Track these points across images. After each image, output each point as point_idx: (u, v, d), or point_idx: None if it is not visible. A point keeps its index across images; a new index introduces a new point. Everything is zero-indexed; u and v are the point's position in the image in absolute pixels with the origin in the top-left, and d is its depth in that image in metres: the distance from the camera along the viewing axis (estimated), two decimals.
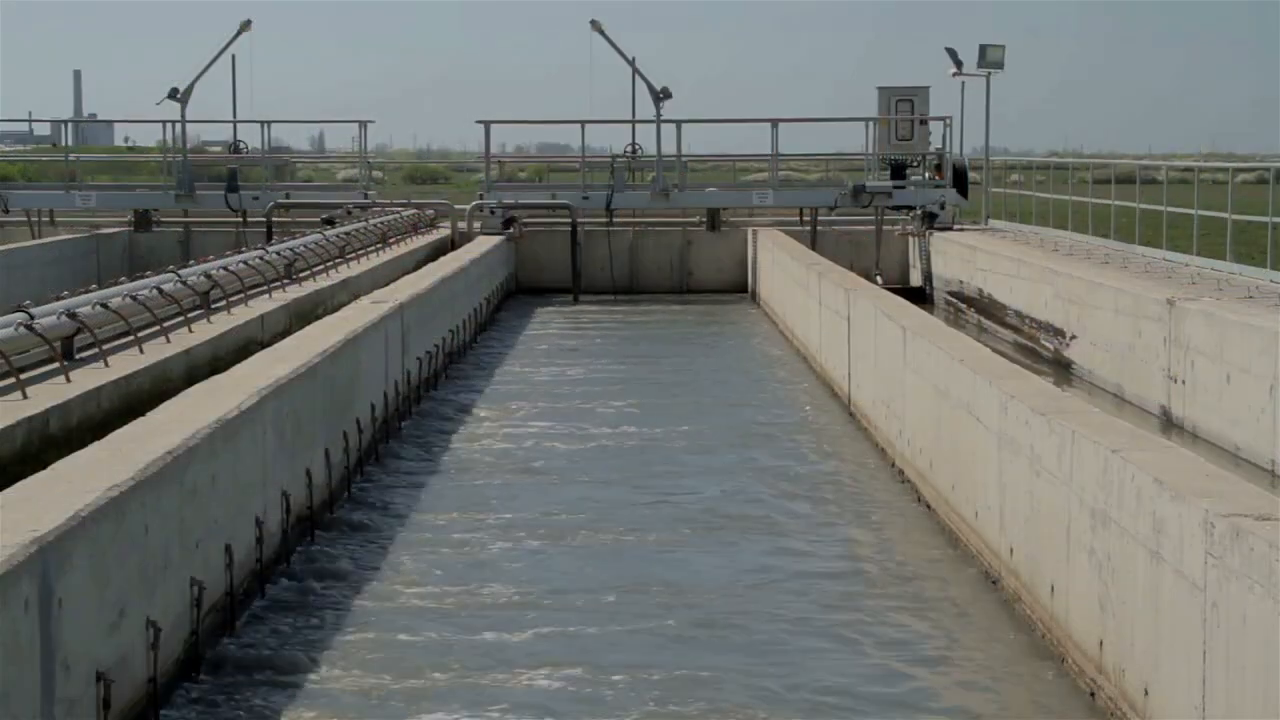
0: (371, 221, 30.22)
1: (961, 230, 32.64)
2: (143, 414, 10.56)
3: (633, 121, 35.94)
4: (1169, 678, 7.87)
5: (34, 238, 33.71)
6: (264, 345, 15.96)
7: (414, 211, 34.73)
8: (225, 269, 19.21)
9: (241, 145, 37.26)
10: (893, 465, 15.49)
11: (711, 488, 14.86)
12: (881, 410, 16.44)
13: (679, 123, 35.05)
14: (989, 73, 35.15)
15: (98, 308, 14.48)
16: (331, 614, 10.69)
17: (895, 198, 34.03)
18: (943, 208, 33.28)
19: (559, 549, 12.56)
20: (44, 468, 8.81)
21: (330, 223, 30.69)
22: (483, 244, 30.90)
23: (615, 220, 35.05)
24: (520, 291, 34.26)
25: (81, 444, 9.91)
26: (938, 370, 13.58)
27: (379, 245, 28.23)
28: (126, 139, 66.53)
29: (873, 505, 14.10)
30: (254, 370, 12.51)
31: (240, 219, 34.71)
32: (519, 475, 15.40)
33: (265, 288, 20.01)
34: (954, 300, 29.97)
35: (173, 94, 34.85)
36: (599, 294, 34.08)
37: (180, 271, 17.83)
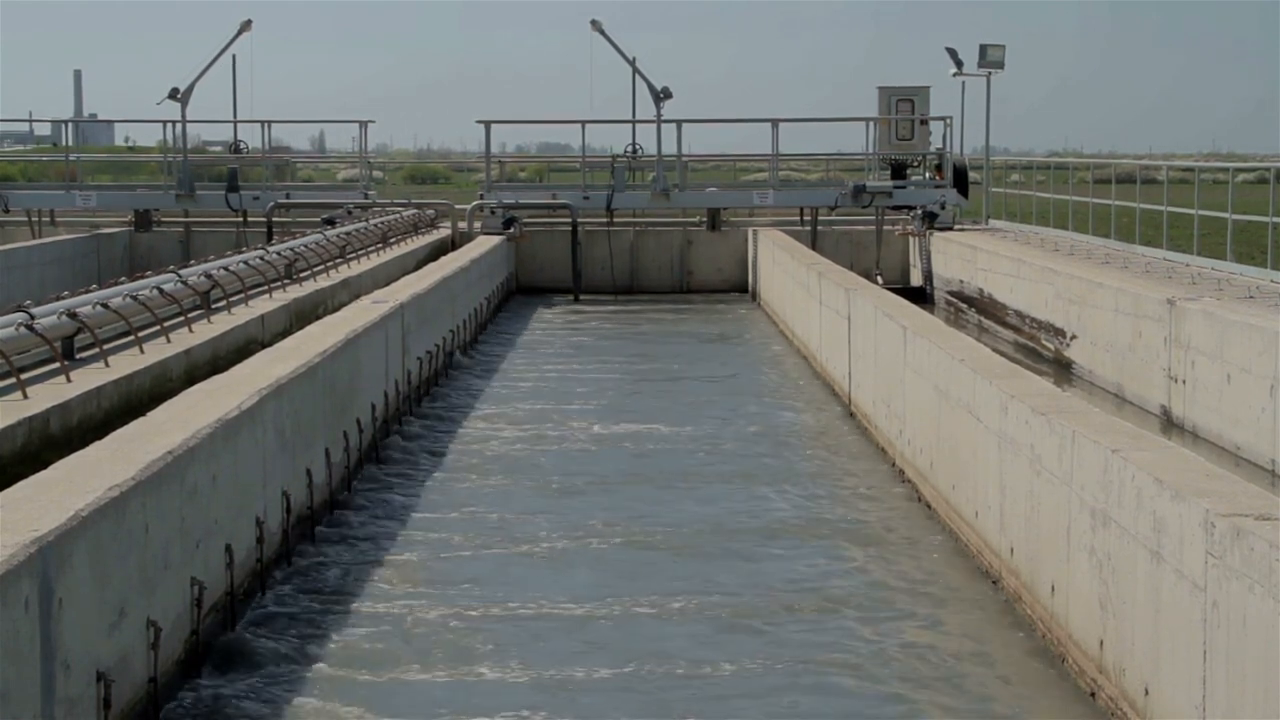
0: (372, 222, 30.23)
1: (962, 230, 32.64)
2: (143, 414, 10.55)
3: (633, 121, 35.95)
4: (1169, 677, 7.86)
5: (34, 238, 33.71)
6: (264, 345, 15.97)
7: (414, 211, 34.76)
8: (225, 269, 19.21)
9: (242, 145, 37.27)
10: (893, 465, 15.49)
11: (713, 490, 14.85)
12: (881, 410, 16.43)
13: (679, 123, 35.07)
14: (989, 73, 35.17)
15: (98, 308, 14.48)
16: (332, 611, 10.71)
17: (895, 198, 34.04)
18: (943, 208, 33.28)
19: (560, 551, 12.56)
20: (44, 468, 8.81)
21: (330, 223, 30.69)
22: (483, 244, 30.90)
23: (615, 220, 35.06)
24: (521, 291, 34.27)
25: (82, 444, 9.91)
26: (938, 370, 13.58)
27: (379, 245, 28.23)
28: (127, 139, 66.63)
29: (872, 504, 14.10)
30: (254, 370, 12.51)
31: (240, 219, 34.73)
32: (519, 475, 15.38)
33: (265, 288, 20.01)
34: (954, 300, 29.97)
35: (173, 94, 34.86)
36: (599, 294, 34.09)
37: (180, 271, 17.83)
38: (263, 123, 36.58)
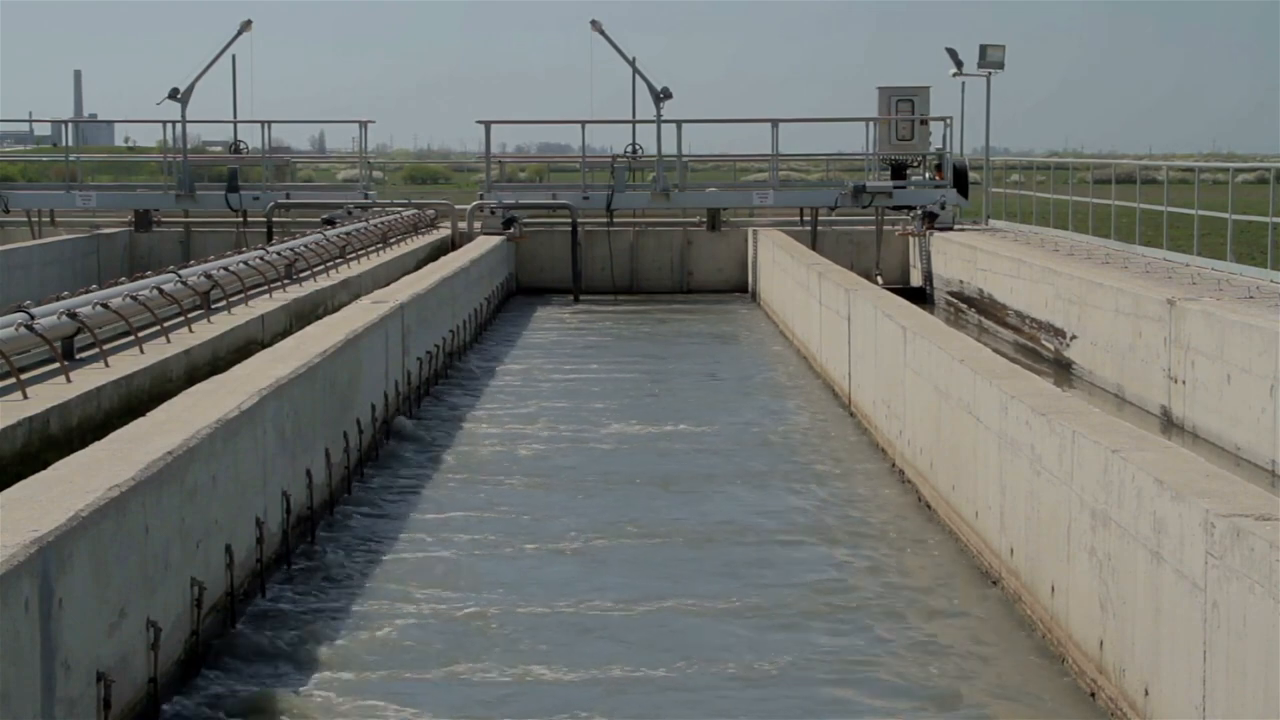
0: (372, 222, 30.23)
1: (962, 230, 32.64)
2: (143, 414, 10.55)
3: (633, 121, 35.95)
4: (1169, 678, 7.87)
5: (34, 238, 33.71)
6: (264, 345, 15.97)
7: (414, 212, 34.77)
8: (225, 269, 19.21)
9: (242, 145, 37.27)
10: (893, 465, 15.49)
11: (711, 490, 14.85)
12: (882, 410, 16.43)
13: (679, 123, 35.09)
14: (989, 73, 35.17)
15: (98, 308, 14.48)
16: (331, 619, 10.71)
17: (895, 198, 34.04)
18: (943, 208, 33.28)
19: (558, 553, 12.56)
20: (44, 468, 8.81)
21: (330, 223, 30.70)
22: (483, 244, 30.90)
23: (615, 220, 35.06)
24: (521, 291, 34.28)
25: (82, 444, 9.91)
26: (938, 370, 13.58)
27: (379, 245, 28.24)
28: (127, 139, 66.54)
29: (871, 505, 14.10)
30: (254, 370, 12.51)
31: (240, 219, 34.73)
32: (520, 477, 15.38)
33: (265, 288, 20.01)
34: (954, 300, 29.97)
35: (173, 94, 34.87)
36: (599, 294, 34.09)
37: (180, 271, 17.83)
38: (263, 123, 36.60)
